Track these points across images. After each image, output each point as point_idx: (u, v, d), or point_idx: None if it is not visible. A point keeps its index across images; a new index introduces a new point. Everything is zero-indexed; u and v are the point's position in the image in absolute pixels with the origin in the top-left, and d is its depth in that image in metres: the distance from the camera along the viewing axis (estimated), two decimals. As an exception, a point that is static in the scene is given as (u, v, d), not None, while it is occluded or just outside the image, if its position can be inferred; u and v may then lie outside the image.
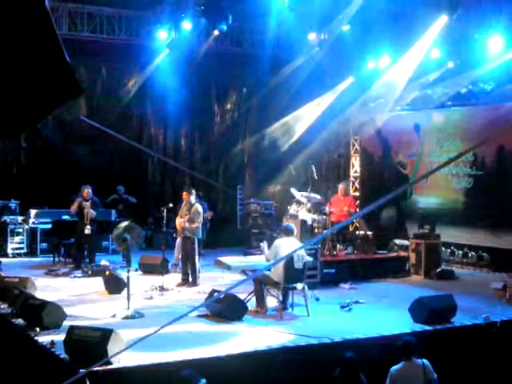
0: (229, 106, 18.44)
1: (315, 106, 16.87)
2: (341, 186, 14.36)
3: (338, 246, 13.11)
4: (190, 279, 11.79)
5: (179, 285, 11.68)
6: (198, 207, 11.86)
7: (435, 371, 6.92)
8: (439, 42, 14.07)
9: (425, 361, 6.97)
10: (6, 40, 3.34)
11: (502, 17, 12.76)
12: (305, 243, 10.69)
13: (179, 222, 11.82)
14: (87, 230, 12.97)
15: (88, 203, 13.00)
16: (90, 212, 12.98)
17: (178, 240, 12.43)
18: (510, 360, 8.62)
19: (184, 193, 12.02)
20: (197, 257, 11.77)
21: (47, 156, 16.13)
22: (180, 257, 12.36)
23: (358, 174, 17.31)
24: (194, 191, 12.07)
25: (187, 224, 11.71)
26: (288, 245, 9.64)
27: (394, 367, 6.93)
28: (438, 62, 14.45)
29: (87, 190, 13.09)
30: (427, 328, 8.69)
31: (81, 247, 13.26)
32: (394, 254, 13.54)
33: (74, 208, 13.03)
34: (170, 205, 12.06)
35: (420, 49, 14.23)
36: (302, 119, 17.13)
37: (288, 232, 10.07)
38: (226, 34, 15.68)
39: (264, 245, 10.34)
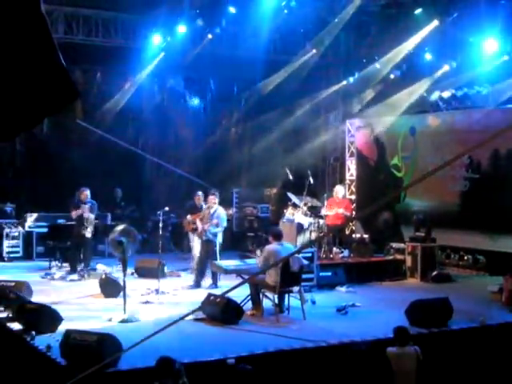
0: (224, 109, 18.43)
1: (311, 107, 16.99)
2: (337, 189, 14.36)
3: (334, 249, 13.12)
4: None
5: (210, 286, 11.60)
6: (222, 211, 11.92)
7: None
8: (434, 46, 14.11)
9: (416, 347, 7.18)
10: (1, 43, 3.34)
11: (496, 20, 12.82)
12: (294, 251, 10.53)
13: (202, 226, 11.86)
14: (87, 234, 12.77)
15: (86, 206, 12.87)
16: (89, 215, 12.85)
17: (195, 244, 12.32)
18: (506, 362, 8.63)
19: (212, 196, 12.07)
20: (208, 260, 11.68)
21: (43, 159, 16.08)
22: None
23: (353, 178, 17.31)
24: (217, 194, 12.19)
25: (211, 227, 11.75)
26: (280, 251, 9.62)
27: (391, 348, 7.05)
28: (434, 65, 14.49)
29: (85, 193, 12.93)
30: (423, 331, 8.68)
31: (77, 251, 13.13)
32: (391, 258, 13.52)
33: (75, 213, 12.82)
34: (166, 208, 12.04)
35: (399, 53, 14.42)
36: (299, 121, 17.16)
37: (277, 237, 9.95)
38: (221, 37, 15.68)
39: (259, 254, 10.31)
